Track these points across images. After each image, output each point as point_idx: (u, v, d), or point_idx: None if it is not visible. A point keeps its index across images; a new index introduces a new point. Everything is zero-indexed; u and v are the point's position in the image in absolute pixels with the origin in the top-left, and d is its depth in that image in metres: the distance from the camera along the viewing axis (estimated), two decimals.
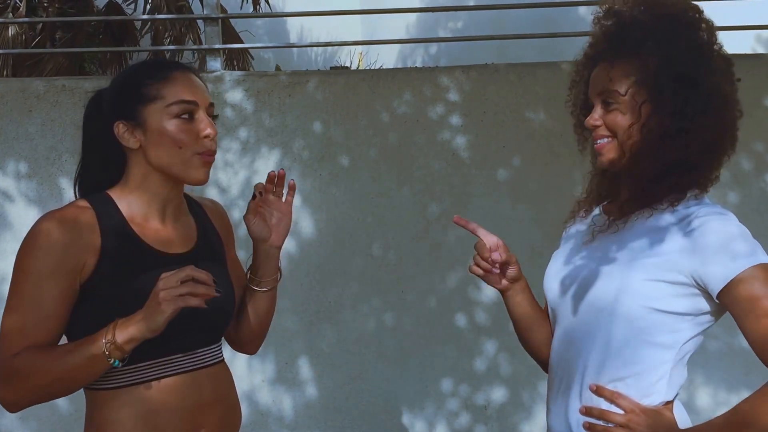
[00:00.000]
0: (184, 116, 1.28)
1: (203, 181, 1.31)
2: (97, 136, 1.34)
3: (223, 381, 1.38)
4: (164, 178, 1.31)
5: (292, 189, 1.41)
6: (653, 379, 1.23)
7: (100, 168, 1.35)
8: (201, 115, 1.29)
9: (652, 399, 1.23)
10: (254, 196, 1.38)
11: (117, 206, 1.31)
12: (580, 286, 1.28)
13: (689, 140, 1.24)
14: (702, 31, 1.26)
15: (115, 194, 1.32)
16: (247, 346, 1.52)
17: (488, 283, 1.41)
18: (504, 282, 1.40)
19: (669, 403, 1.24)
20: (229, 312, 1.40)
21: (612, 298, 1.23)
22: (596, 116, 1.28)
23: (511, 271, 1.39)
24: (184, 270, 1.16)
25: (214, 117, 1.33)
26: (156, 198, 1.32)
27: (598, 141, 1.29)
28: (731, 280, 1.15)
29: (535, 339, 1.44)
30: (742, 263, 1.15)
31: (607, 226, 1.30)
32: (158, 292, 1.15)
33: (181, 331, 1.28)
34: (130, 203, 1.31)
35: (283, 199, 1.42)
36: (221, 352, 1.40)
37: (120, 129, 1.29)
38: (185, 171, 1.29)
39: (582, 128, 1.37)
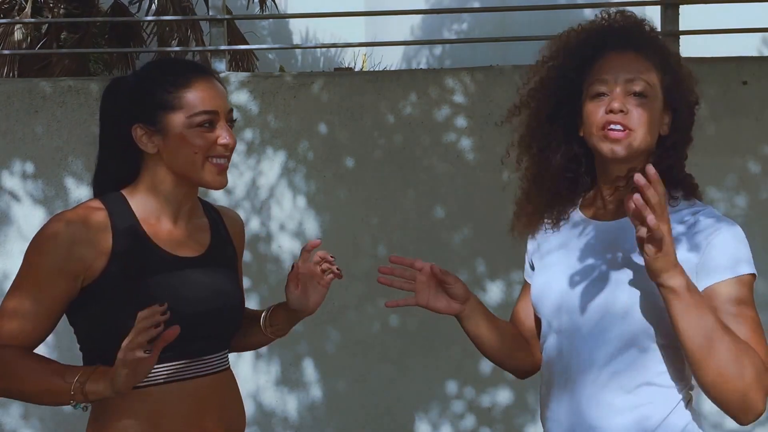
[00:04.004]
0: (205, 125, 1.27)
1: (220, 186, 1.32)
2: (114, 132, 1.33)
3: (228, 389, 1.37)
4: (180, 181, 1.31)
5: (328, 263, 1.40)
6: (672, 378, 1.24)
7: (117, 165, 1.34)
8: (221, 124, 1.29)
9: (674, 395, 1.24)
10: (292, 268, 1.37)
11: (130, 206, 1.31)
12: (589, 293, 1.26)
13: (682, 150, 1.29)
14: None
15: (129, 194, 1.32)
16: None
17: (428, 307, 1.37)
18: (454, 304, 1.36)
19: (691, 390, 1.26)
20: (237, 320, 1.39)
21: (629, 305, 1.22)
22: (627, 104, 1.22)
23: (456, 288, 1.35)
24: (134, 330, 1.13)
25: (233, 121, 1.34)
26: (170, 200, 1.32)
27: (616, 127, 1.22)
28: (708, 287, 1.18)
29: (503, 352, 1.41)
30: (728, 273, 1.18)
31: (603, 230, 1.31)
32: (121, 358, 1.14)
33: (187, 337, 1.26)
34: (144, 203, 1.31)
35: (326, 274, 1.41)
36: (227, 360, 1.39)
37: (138, 132, 1.29)
38: (201, 176, 1.29)
39: (550, 119, 1.32)
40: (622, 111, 1.22)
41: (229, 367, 1.39)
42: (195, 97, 1.27)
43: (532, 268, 1.44)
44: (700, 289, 1.17)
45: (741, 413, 1.14)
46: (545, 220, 1.39)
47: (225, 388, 1.36)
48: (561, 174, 1.35)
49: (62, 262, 1.23)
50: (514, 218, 1.42)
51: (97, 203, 1.30)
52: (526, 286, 1.48)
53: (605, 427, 1.24)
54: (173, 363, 1.27)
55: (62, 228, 1.24)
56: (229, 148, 1.30)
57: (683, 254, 1.19)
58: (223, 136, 1.28)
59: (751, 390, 1.11)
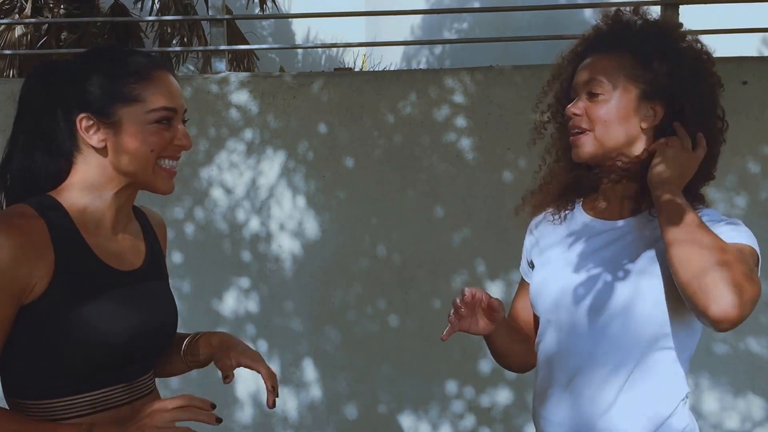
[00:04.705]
0: (163, 122, 1.16)
1: (169, 191, 1.21)
2: (44, 121, 1.16)
3: None
4: (125, 182, 1.18)
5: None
6: (673, 380, 1.25)
7: (42, 162, 1.17)
8: (179, 124, 1.19)
9: (675, 397, 1.24)
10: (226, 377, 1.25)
11: (67, 213, 1.14)
12: (588, 293, 1.27)
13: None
14: (705, 63, 1.29)
15: (62, 198, 1.15)
16: None
17: (470, 332, 1.36)
18: (491, 326, 1.36)
19: (687, 397, 1.27)
20: (172, 336, 1.28)
21: (628, 303, 1.23)
22: (580, 105, 1.28)
23: (499, 315, 1.35)
24: (181, 405, 1.05)
25: (184, 122, 1.24)
26: (111, 205, 1.18)
27: (574, 131, 1.29)
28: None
29: (516, 355, 1.44)
30: (740, 239, 1.20)
31: (605, 230, 1.31)
32: (149, 427, 1.04)
33: (127, 360, 1.16)
34: (83, 209, 1.16)
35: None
36: (154, 381, 1.28)
37: (84, 123, 1.14)
38: (151, 179, 1.17)
39: (552, 122, 1.38)
40: (576, 114, 1.28)
41: (156, 388, 1.27)
42: (156, 91, 1.15)
43: (531, 265, 1.45)
44: None
45: (714, 305, 1.09)
46: (549, 210, 1.41)
47: None
48: (571, 172, 1.38)
49: (6, 282, 1.05)
50: (522, 202, 1.46)
51: (29, 210, 1.11)
52: (522, 283, 1.48)
53: (607, 427, 1.24)
54: (110, 388, 1.15)
55: (1, 245, 1.05)
56: (184, 150, 1.20)
57: None
58: (179, 137, 1.18)
59: (729, 285, 1.09)
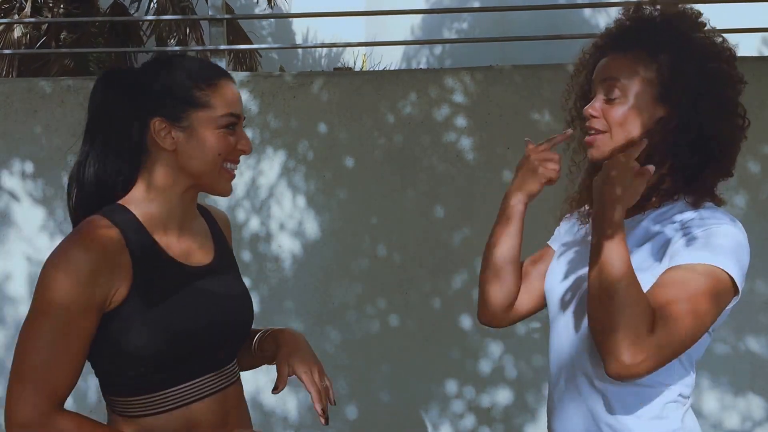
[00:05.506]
0: (229, 127, 1.24)
1: (228, 194, 1.29)
2: (118, 127, 1.23)
3: (243, 397, 1.37)
4: (191, 183, 1.25)
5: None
6: (669, 381, 1.23)
7: (115, 166, 1.23)
8: (242, 130, 1.28)
9: (670, 396, 1.23)
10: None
11: (138, 220, 1.21)
12: (584, 294, 1.27)
13: (698, 149, 1.26)
14: (722, 61, 1.29)
15: (131, 205, 1.23)
16: None
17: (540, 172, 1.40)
18: (540, 185, 1.40)
19: (686, 399, 1.25)
20: (249, 325, 1.37)
21: None
22: (597, 105, 1.27)
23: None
24: None
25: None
26: (178, 204, 1.26)
27: (590, 132, 1.29)
28: (685, 264, 1.16)
29: (507, 265, 1.46)
30: (712, 259, 1.15)
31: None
32: None
33: (215, 347, 1.25)
34: (151, 213, 1.23)
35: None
36: (238, 368, 1.38)
37: (157, 126, 1.21)
38: (215, 181, 1.25)
39: (577, 119, 1.38)
40: (593, 115, 1.28)
41: (239, 376, 1.37)
42: (224, 97, 1.24)
43: (556, 243, 1.47)
44: (675, 263, 1.16)
45: (606, 357, 1.11)
46: (579, 210, 1.43)
47: (241, 397, 1.35)
48: (590, 175, 1.38)
49: (87, 298, 1.11)
50: (570, 207, 1.46)
51: (103, 220, 1.18)
52: (546, 249, 1.49)
53: (616, 428, 1.23)
54: (201, 379, 1.24)
55: (81, 258, 1.11)
56: (244, 154, 1.29)
57: (676, 240, 1.19)
58: (242, 142, 1.27)
59: (623, 336, 1.09)
